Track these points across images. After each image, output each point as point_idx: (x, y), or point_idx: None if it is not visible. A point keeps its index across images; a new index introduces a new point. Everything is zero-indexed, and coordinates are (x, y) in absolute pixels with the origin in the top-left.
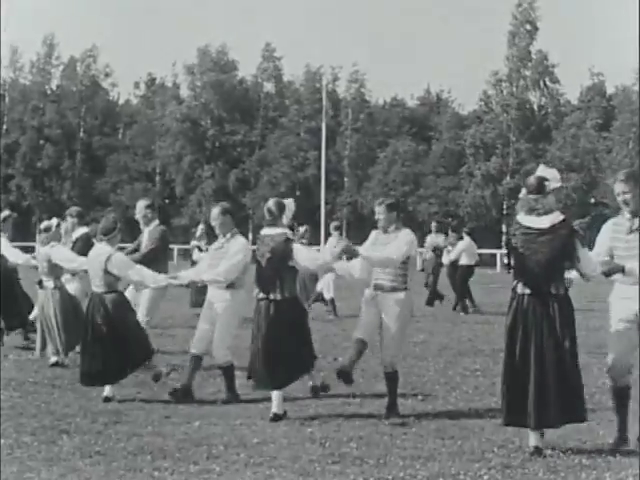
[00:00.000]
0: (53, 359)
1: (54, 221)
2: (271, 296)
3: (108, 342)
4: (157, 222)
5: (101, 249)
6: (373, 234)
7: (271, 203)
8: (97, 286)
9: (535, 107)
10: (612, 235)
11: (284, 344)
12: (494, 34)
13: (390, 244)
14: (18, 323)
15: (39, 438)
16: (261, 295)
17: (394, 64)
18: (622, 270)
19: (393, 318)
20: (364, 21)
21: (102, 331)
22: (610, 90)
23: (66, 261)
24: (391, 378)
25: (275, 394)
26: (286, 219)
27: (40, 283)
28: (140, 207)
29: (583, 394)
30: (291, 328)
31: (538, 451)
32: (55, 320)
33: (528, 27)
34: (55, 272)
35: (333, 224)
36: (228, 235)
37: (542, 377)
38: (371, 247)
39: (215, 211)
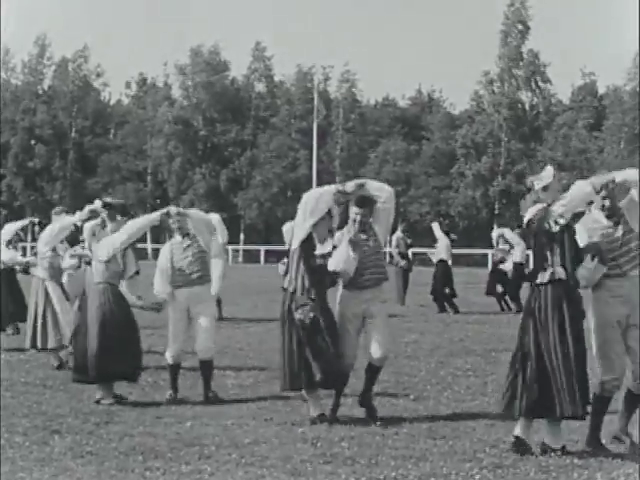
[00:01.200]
0: (56, 362)
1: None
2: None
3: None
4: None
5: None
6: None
7: None
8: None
9: (527, 107)
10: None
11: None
12: (486, 34)
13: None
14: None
15: (31, 438)
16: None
17: (385, 64)
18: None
19: (382, 318)
20: (355, 20)
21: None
22: (602, 90)
23: (41, 243)
24: (378, 371)
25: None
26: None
27: (26, 271)
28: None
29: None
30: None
31: (519, 442)
32: (52, 310)
33: (520, 27)
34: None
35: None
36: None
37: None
38: None
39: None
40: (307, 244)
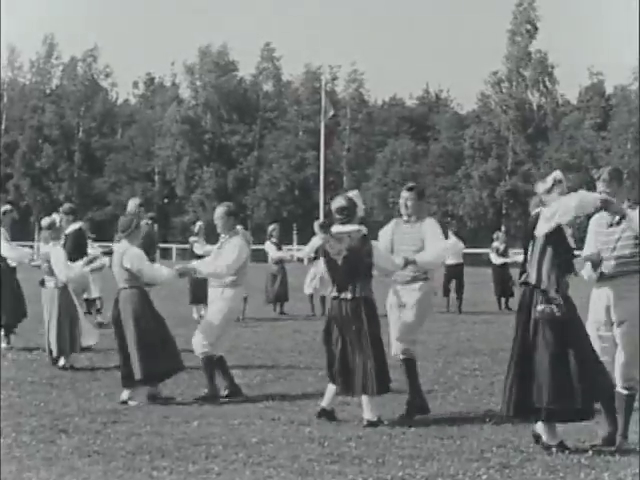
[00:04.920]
0: (62, 361)
1: (57, 217)
2: (342, 295)
3: (123, 340)
4: (146, 221)
5: (120, 246)
6: (392, 223)
7: (342, 200)
8: (119, 281)
9: (534, 107)
10: (595, 229)
11: (356, 349)
12: (494, 34)
13: (426, 239)
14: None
15: (38, 437)
16: (334, 294)
17: (393, 64)
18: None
19: (412, 303)
20: (363, 20)
21: (117, 329)
22: (609, 90)
23: (60, 267)
24: (409, 365)
25: (364, 398)
26: (358, 216)
27: (42, 282)
28: (132, 205)
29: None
30: (363, 330)
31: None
32: (57, 320)
33: (528, 27)
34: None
35: (317, 223)
36: (227, 236)
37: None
38: (394, 237)
39: (219, 210)
40: None
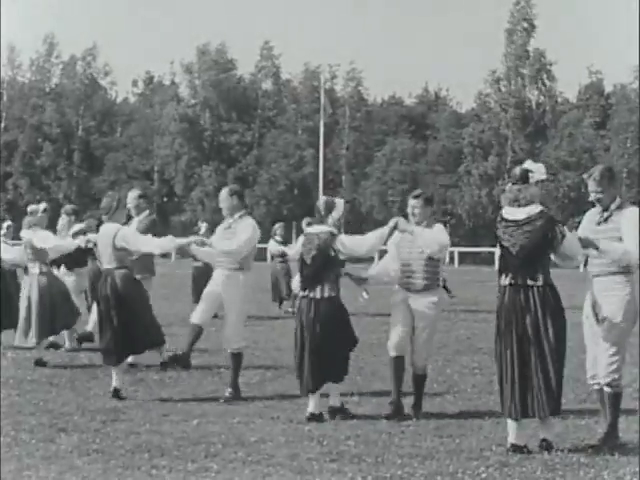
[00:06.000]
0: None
1: (41, 205)
2: (311, 294)
3: (117, 318)
4: (147, 212)
5: (108, 227)
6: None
7: (320, 201)
8: (107, 262)
9: (533, 105)
10: (586, 224)
11: (323, 345)
12: (493, 32)
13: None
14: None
15: (37, 436)
16: (303, 293)
17: (392, 62)
18: (596, 247)
19: (427, 322)
20: (362, 19)
21: (110, 307)
22: (609, 88)
23: (41, 240)
24: (421, 380)
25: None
26: (332, 219)
27: (26, 269)
28: (132, 197)
29: (557, 388)
30: (330, 328)
31: (516, 448)
32: (39, 306)
33: (525, 25)
34: (40, 257)
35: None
36: (236, 216)
37: (523, 369)
38: (400, 239)
39: (223, 193)
40: None
